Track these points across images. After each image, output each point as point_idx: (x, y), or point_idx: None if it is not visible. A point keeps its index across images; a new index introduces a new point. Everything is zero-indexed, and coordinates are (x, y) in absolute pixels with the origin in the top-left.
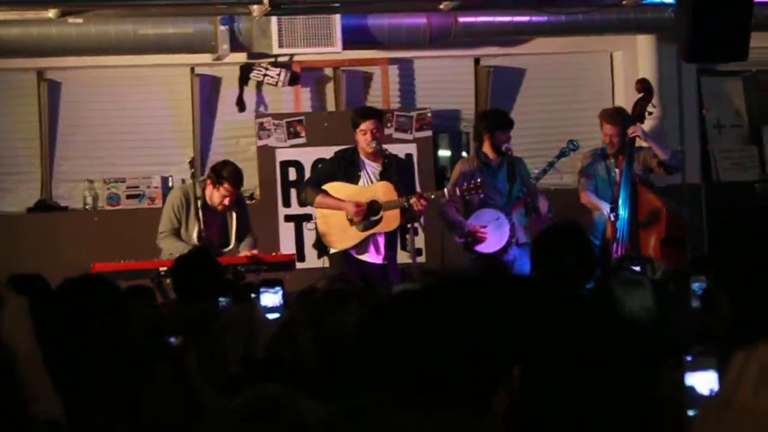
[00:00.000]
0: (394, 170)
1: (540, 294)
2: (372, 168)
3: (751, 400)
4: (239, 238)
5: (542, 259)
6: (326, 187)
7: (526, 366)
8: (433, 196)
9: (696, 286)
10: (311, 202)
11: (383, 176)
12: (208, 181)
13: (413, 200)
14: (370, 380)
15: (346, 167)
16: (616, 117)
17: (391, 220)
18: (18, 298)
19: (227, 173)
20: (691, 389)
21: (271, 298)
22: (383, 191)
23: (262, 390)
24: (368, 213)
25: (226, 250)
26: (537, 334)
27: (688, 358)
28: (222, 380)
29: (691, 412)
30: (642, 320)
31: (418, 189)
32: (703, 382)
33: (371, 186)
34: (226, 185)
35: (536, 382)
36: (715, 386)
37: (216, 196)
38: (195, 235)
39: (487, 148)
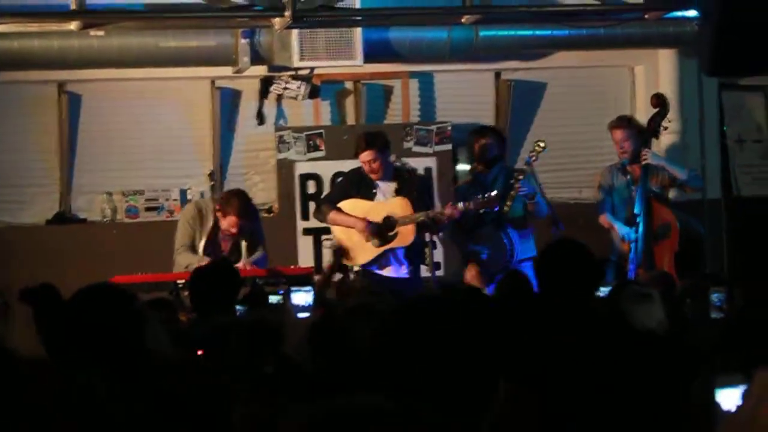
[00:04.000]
0: (411, 187)
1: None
2: (386, 186)
3: None
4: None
5: (546, 274)
6: (343, 204)
7: (534, 379)
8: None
9: (715, 297)
10: (325, 219)
11: (398, 193)
12: (218, 207)
13: (446, 209)
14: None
15: (359, 185)
16: (620, 121)
17: (406, 235)
18: (24, 309)
19: (233, 206)
20: (717, 406)
21: (302, 296)
22: (399, 207)
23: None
24: (382, 229)
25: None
26: (543, 348)
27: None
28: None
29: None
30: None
31: (437, 203)
32: (729, 398)
33: (387, 202)
34: (230, 217)
35: (551, 397)
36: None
37: (223, 223)
38: (201, 249)
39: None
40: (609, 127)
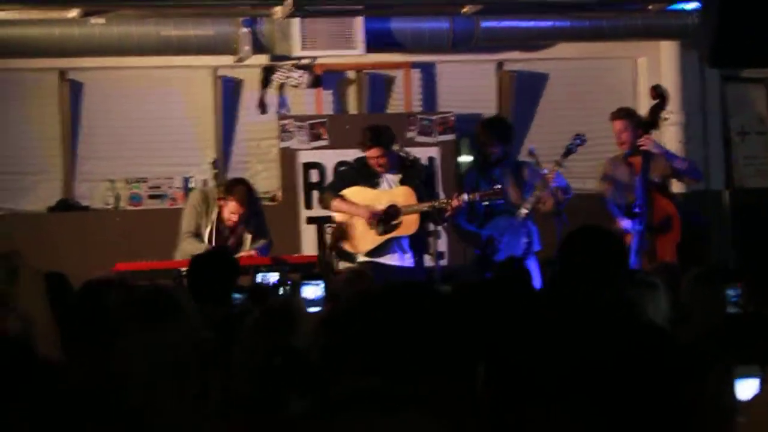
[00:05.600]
0: (415, 177)
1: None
2: (391, 176)
3: None
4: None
5: (568, 261)
6: (347, 191)
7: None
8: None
9: (731, 292)
10: (328, 206)
11: (403, 183)
12: (220, 194)
13: (453, 200)
14: (347, 375)
15: (364, 173)
16: (619, 112)
17: (410, 224)
18: (33, 271)
19: (236, 193)
20: (735, 399)
21: (312, 290)
22: (403, 196)
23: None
24: (386, 218)
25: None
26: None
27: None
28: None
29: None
30: (659, 323)
31: (441, 193)
32: (746, 389)
33: (391, 190)
34: (232, 203)
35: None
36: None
37: (224, 211)
38: (206, 236)
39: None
40: (610, 119)
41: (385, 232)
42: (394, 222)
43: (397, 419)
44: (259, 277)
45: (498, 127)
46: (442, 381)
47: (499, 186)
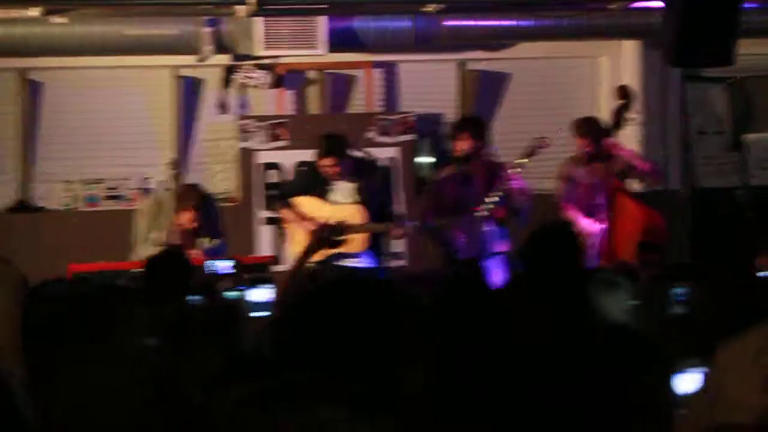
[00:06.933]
0: (370, 183)
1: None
2: (344, 184)
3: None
4: None
5: (533, 257)
6: (300, 200)
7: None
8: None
9: (678, 291)
10: (278, 212)
11: (358, 191)
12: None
13: (393, 230)
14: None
15: (318, 179)
16: (579, 129)
17: (357, 242)
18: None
19: (188, 201)
20: (674, 396)
21: (260, 293)
22: (352, 214)
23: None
24: (332, 234)
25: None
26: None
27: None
28: (208, 378)
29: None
30: (620, 321)
31: (401, 193)
32: (688, 382)
33: (342, 207)
34: (189, 213)
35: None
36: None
37: (182, 219)
38: (162, 241)
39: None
40: (572, 130)
41: (332, 247)
42: (341, 238)
43: (318, 415)
44: (207, 265)
45: (474, 124)
46: (373, 378)
47: (445, 221)
